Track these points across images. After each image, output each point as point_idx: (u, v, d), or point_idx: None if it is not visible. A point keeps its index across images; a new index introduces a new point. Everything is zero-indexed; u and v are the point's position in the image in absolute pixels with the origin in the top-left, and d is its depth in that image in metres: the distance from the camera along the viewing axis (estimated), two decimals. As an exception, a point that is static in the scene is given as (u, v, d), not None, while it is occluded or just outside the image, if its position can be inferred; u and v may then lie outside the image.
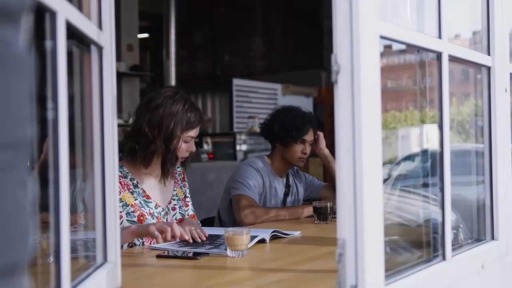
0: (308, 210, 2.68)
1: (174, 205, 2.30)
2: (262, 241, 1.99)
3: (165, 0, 7.32)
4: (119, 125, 2.47)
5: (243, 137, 6.86)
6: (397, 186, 1.81)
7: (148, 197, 2.20)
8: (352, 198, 1.04)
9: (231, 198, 2.72)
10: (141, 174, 2.22)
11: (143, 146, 2.15)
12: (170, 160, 2.18)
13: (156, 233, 1.86)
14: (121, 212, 2.09)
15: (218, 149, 6.94)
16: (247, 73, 8.35)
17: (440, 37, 1.39)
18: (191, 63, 9.34)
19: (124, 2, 6.81)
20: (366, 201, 1.04)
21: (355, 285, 1.04)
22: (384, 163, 1.15)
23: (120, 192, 2.10)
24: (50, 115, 0.88)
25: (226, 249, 1.76)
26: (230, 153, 6.79)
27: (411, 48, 1.45)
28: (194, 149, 2.24)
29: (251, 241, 1.87)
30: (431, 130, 1.58)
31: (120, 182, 2.12)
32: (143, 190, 2.19)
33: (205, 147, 6.91)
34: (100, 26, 1.22)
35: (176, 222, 2.10)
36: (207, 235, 2.02)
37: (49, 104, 0.88)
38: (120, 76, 6.66)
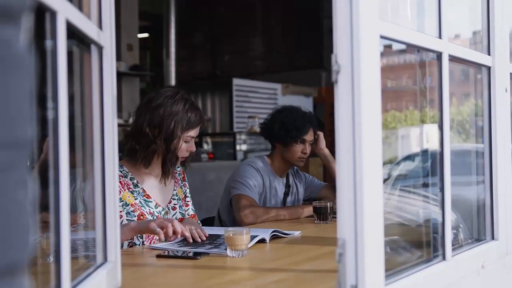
0: (308, 210, 2.68)
1: (174, 204, 2.30)
2: (262, 241, 1.99)
3: (165, 0, 7.33)
4: (119, 125, 2.47)
5: (243, 137, 6.86)
6: (397, 186, 1.81)
7: (148, 196, 2.20)
8: (352, 198, 1.04)
9: (231, 198, 2.72)
10: (141, 174, 2.22)
11: (144, 146, 2.15)
12: (170, 160, 2.18)
13: (158, 229, 1.86)
14: (121, 211, 2.09)
15: (218, 149, 6.94)
16: (247, 73, 8.35)
17: (440, 37, 1.39)
18: (191, 63, 9.34)
19: (124, 2, 6.81)
20: (366, 201, 1.04)
21: (355, 285, 1.04)
22: (384, 163, 1.15)
23: (120, 191, 2.10)
24: (50, 114, 0.88)
25: (226, 249, 1.76)
26: (230, 153, 6.79)
27: (411, 48, 1.45)
28: (194, 149, 2.24)
29: (251, 241, 1.87)
30: (431, 130, 1.58)
31: (120, 182, 2.12)
32: (143, 189, 2.19)
33: (205, 147, 6.91)
34: (100, 26, 1.22)
35: (176, 222, 2.10)
36: (207, 235, 2.02)
37: (49, 104, 0.88)
38: (120, 76, 6.66)
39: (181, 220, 2.27)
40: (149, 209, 2.17)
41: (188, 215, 2.36)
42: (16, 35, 0.60)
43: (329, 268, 1.53)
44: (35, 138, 0.65)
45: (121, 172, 2.16)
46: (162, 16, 7.42)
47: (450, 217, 1.40)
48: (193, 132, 2.21)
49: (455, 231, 1.56)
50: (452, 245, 1.42)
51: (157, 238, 2.08)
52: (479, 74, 1.73)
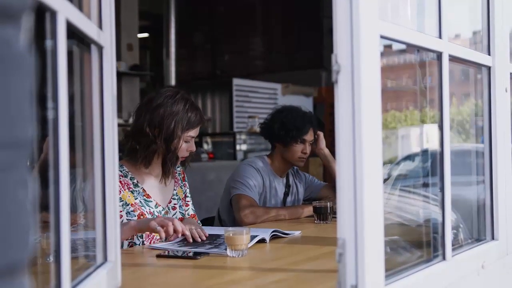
0: (308, 210, 2.68)
1: (174, 204, 2.30)
2: (262, 241, 1.99)
3: (165, 0, 7.33)
4: (119, 125, 2.47)
5: (243, 137, 6.86)
6: (397, 186, 1.81)
7: (148, 196, 2.20)
8: (352, 198, 1.04)
9: (231, 197, 2.72)
10: (142, 174, 2.22)
11: (144, 146, 2.15)
12: (170, 160, 2.19)
13: (158, 227, 1.86)
14: (121, 211, 2.09)
15: (218, 149, 6.94)
16: (247, 73, 8.35)
17: (440, 37, 1.39)
18: (191, 63, 9.34)
19: (124, 2, 6.81)
20: (366, 201, 1.04)
21: (355, 285, 1.04)
22: (384, 163, 1.15)
23: (120, 191, 2.10)
24: (50, 114, 0.88)
25: (226, 249, 1.76)
26: (230, 153, 6.79)
27: (411, 48, 1.45)
28: (194, 148, 2.24)
29: (251, 241, 1.87)
30: (431, 130, 1.58)
31: (120, 181, 2.12)
32: (143, 189, 2.20)
33: (205, 147, 6.91)
34: (100, 25, 1.22)
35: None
36: (207, 235, 2.02)
37: (49, 104, 0.88)
38: (120, 75, 6.66)
39: (181, 220, 2.27)
40: (149, 209, 2.18)
41: (188, 215, 2.37)
42: (16, 35, 0.60)
43: (329, 268, 1.53)
44: (35, 138, 0.65)
45: (121, 171, 2.16)
46: (162, 16, 7.42)
47: (450, 217, 1.40)
48: (193, 132, 2.21)
49: (455, 231, 1.56)
50: (452, 245, 1.42)
51: (158, 238, 2.08)
52: (479, 74, 1.73)
